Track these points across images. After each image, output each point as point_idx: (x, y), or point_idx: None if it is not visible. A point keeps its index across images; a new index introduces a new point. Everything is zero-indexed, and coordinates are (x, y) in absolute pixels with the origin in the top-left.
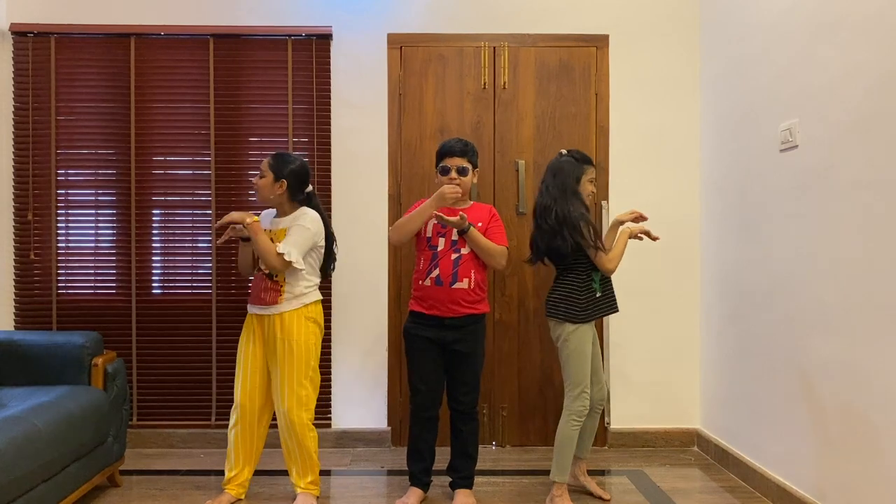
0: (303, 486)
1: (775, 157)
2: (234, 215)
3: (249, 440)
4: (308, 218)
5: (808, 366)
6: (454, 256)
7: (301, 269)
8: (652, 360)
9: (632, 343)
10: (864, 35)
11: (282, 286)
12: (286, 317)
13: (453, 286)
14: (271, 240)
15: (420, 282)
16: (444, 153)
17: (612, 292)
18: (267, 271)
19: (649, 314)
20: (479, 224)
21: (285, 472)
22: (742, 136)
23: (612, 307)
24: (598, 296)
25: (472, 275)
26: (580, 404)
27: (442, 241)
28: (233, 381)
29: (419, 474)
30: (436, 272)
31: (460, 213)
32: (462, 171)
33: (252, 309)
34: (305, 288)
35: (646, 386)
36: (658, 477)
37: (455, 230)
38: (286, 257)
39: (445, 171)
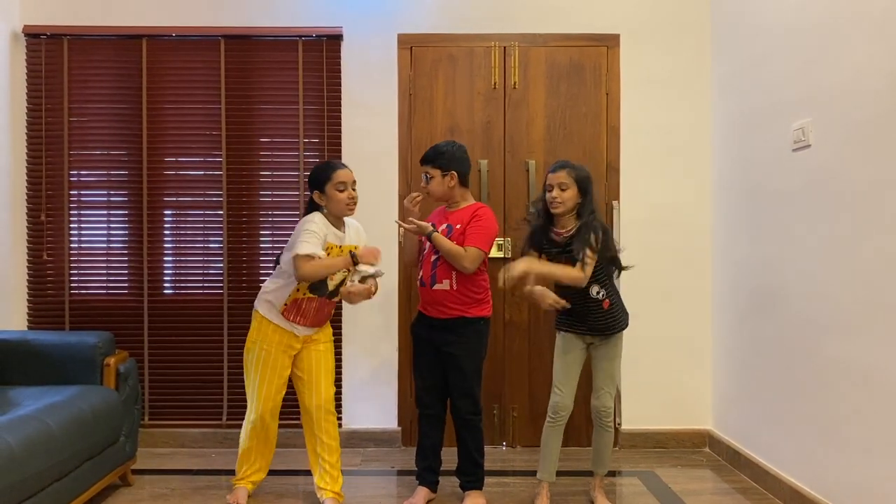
0: (336, 492)
1: (788, 157)
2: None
3: (265, 449)
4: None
5: (822, 366)
6: (433, 258)
7: None
8: (663, 361)
9: (643, 343)
10: (877, 33)
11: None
12: (328, 324)
13: (434, 287)
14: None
15: (417, 282)
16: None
17: (583, 318)
18: (330, 290)
19: (660, 314)
20: (458, 225)
21: (295, 472)
22: (754, 136)
23: (581, 329)
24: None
25: (454, 276)
26: (550, 402)
27: (429, 242)
28: (244, 382)
29: (424, 472)
30: (420, 273)
31: (412, 221)
32: (425, 179)
33: (304, 331)
34: None
35: (657, 387)
36: (669, 478)
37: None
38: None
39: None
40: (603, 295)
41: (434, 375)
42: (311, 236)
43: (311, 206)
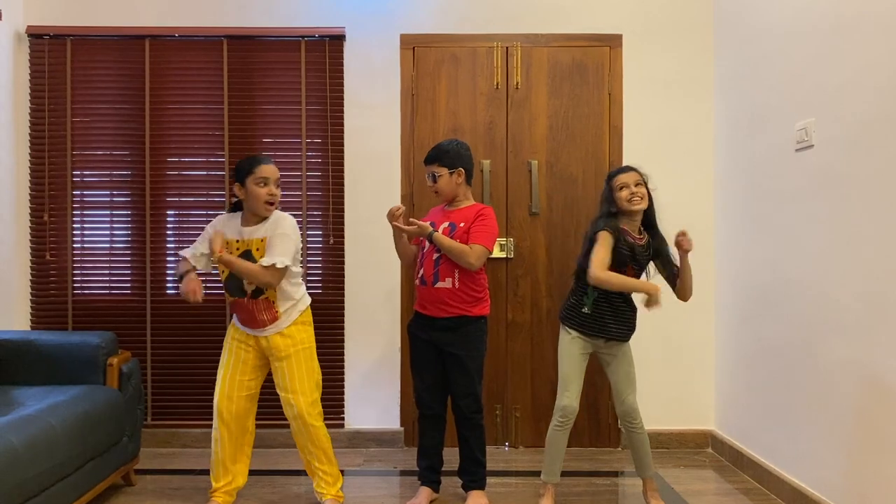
0: (333, 494)
1: (791, 157)
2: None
3: (233, 448)
4: (288, 224)
5: (825, 367)
6: (435, 256)
7: (296, 274)
8: (666, 361)
9: (646, 344)
10: (881, 33)
11: (274, 301)
12: (287, 331)
13: (436, 285)
14: (249, 244)
15: (415, 281)
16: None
17: (610, 317)
18: (250, 292)
19: (663, 315)
20: (462, 224)
21: (297, 472)
22: (756, 136)
23: (602, 331)
24: (584, 311)
25: (456, 274)
26: (559, 404)
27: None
28: None
29: (426, 472)
30: (421, 272)
31: (413, 221)
32: (432, 178)
33: (253, 332)
34: (298, 295)
35: (660, 387)
36: (672, 479)
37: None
38: (278, 265)
39: (427, 177)
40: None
41: (434, 375)
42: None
43: (237, 202)
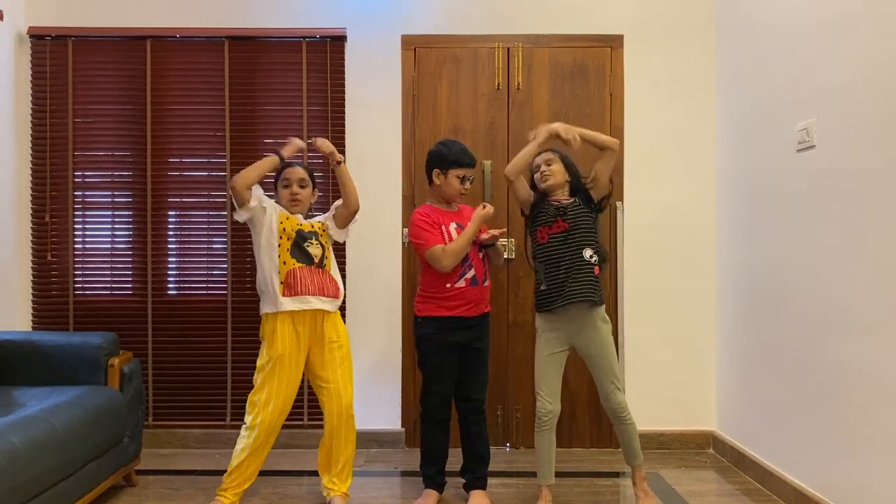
0: (343, 491)
1: (792, 158)
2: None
3: (261, 456)
4: None
5: (826, 367)
6: (481, 255)
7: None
8: (667, 362)
9: (647, 344)
10: (883, 33)
11: (330, 272)
12: (338, 319)
13: (485, 284)
14: (312, 227)
15: (448, 284)
16: (456, 162)
17: (565, 278)
18: (317, 260)
19: (664, 315)
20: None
21: (298, 472)
22: (758, 137)
23: (561, 295)
24: (542, 288)
25: (488, 272)
26: (536, 406)
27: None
28: (249, 383)
29: (434, 475)
30: (471, 273)
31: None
32: (470, 181)
33: (313, 302)
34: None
35: (661, 387)
36: (673, 479)
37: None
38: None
39: (464, 180)
40: (596, 260)
41: (453, 379)
42: None
43: None
